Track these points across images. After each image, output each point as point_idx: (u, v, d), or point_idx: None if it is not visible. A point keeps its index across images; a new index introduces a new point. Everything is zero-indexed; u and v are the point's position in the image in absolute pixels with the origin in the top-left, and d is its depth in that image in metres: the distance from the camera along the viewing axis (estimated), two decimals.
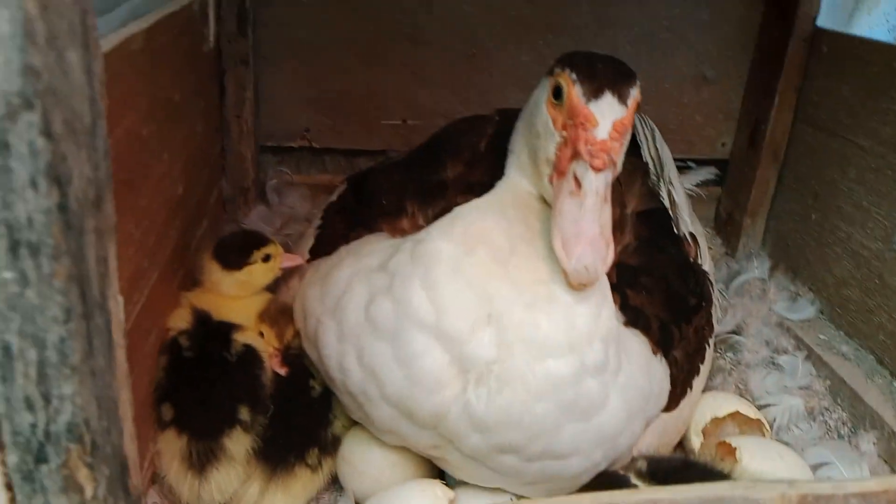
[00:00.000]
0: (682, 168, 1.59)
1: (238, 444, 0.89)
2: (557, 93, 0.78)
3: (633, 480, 0.88)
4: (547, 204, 0.84)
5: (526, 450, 0.80)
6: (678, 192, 1.24)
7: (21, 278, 0.43)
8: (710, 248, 1.56)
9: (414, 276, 0.81)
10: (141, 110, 0.78)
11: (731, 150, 1.68)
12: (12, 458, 0.48)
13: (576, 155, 0.75)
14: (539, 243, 0.81)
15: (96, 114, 0.47)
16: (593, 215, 0.73)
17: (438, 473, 0.97)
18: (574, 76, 0.76)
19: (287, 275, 1.06)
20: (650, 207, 1.09)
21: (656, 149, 1.31)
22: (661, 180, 1.23)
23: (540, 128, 0.81)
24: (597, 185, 0.73)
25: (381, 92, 1.50)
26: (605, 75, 0.76)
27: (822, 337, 1.38)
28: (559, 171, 0.77)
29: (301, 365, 0.97)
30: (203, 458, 0.87)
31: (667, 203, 1.17)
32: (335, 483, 0.97)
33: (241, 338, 0.97)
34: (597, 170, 0.73)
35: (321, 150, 1.53)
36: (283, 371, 0.96)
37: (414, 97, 1.51)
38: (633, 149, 1.28)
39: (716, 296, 1.20)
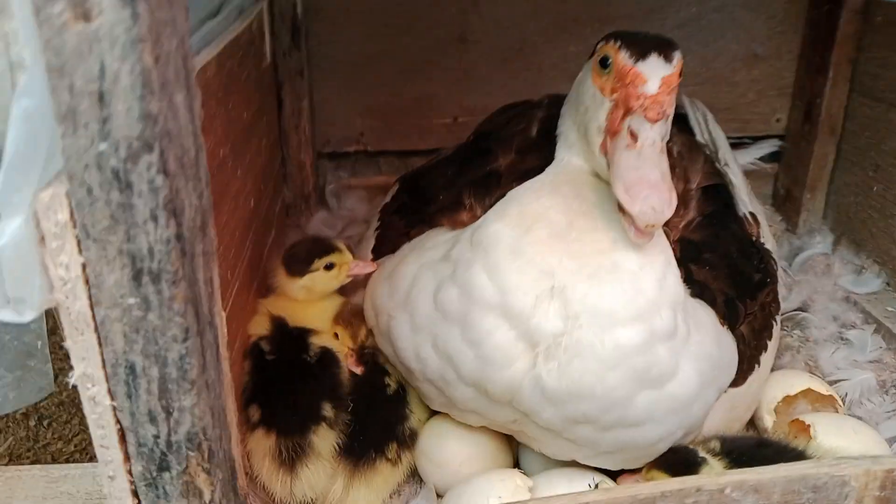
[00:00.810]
0: (740, 144, 1.57)
1: (324, 439, 0.93)
2: (604, 63, 0.81)
3: (707, 456, 0.88)
4: (600, 178, 0.86)
5: (600, 420, 0.82)
6: (735, 173, 1.24)
7: (143, 303, 0.47)
8: (770, 225, 1.55)
9: (475, 260, 0.83)
10: (217, 133, 0.82)
11: (786, 126, 1.65)
12: (137, 467, 0.53)
13: (628, 112, 0.77)
14: (596, 214, 0.82)
15: (198, 147, 0.51)
16: (653, 162, 0.75)
17: (514, 463, 0.99)
18: (619, 43, 0.80)
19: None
20: (714, 183, 1.09)
21: (709, 132, 1.31)
22: (717, 162, 1.23)
23: (588, 101, 0.83)
24: (653, 135, 0.75)
25: (432, 93, 1.52)
26: (648, 40, 0.80)
27: (889, 309, 1.37)
28: (612, 132, 0.79)
29: (375, 363, 1.00)
30: (293, 454, 0.91)
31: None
32: (415, 476, 1.00)
33: (317, 341, 1.01)
34: (652, 121, 0.75)
35: (375, 152, 1.57)
36: (358, 370, 1.00)
37: (464, 95, 1.53)
38: (690, 130, 1.28)
39: (779, 274, 1.20)
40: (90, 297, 0.46)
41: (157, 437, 0.51)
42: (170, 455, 0.52)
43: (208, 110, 0.77)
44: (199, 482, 0.54)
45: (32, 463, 0.98)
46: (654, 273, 0.81)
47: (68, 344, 0.48)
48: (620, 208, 0.76)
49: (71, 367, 0.49)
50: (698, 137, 1.27)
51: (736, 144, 1.48)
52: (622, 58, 0.78)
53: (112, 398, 0.50)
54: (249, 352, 0.98)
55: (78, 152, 0.42)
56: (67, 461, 1.00)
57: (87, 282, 0.46)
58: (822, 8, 1.51)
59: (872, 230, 1.47)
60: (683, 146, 1.11)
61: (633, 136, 0.76)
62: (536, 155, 1.02)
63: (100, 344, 0.48)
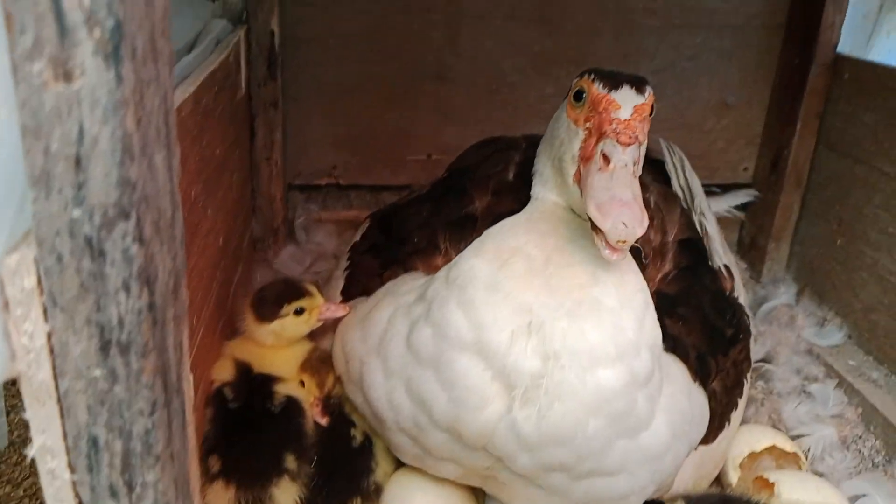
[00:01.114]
0: (709, 192, 1.59)
1: (286, 492, 0.90)
2: (578, 96, 0.82)
3: None
4: (575, 214, 0.86)
5: (576, 468, 0.80)
6: (710, 222, 1.24)
7: (110, 375, 0.44)
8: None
9: (450, 297, 0.81)
10: (190, 172, 0.79)
11: (753, 175, 1.68)
12: None
13: (601, 137, 0.78)
14: (573, 249, 0.82)
15: (175, 207, 0.48)
16: (625, 183, 0.74)
17: None
18: (593, 77, 0.82)
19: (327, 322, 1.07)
20: (689, 236, 1.09)
21: (686, 178, 1.32)
22: (692, 211, 1.23)
23: (562, 133, 0.84)
24: (625, 158, 0.75)
25: (407, 129, 1.51)
26: (621, 74, 0.82)
27: (851, 363, 1.39)
28: (585, 158, 0.79)
29: (342, 414, 0.98)
30: None
31: (700, 233, 1.18)
32: None
33: (282, 389, 0.97)
34: (624, 145, 0.76)
35: (347, 186, 1.55)
36: (324, 421, 0.97)
37: (439, 133, 1.52)
38: (666, 179, 1.29)
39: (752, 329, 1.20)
40: (54, 368, 0.43)
41: None
42: None
43: (183, 150, 0.75)
44: None
45: None
46: (635, 311, 0.80)
47: (28, 415, 0.45)
48: (593, 227, 0.74)
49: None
50: (674, 183, 1.27)
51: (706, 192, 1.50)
52: (596, 88, 0.80)
53: (72, 471, 0.46)
54: (212, 398, 0.94)
55: (50, 218, 0.40)
56: None
57: (51, 351, 0.43)
58: (793, 61, 1.54)
59: (835, 282, 1.50)
60: (660, 196, 1.11)
61: (606, 160, 0.76)
62: (512, 198, 1.01)
63: (62, 416, 0.45)
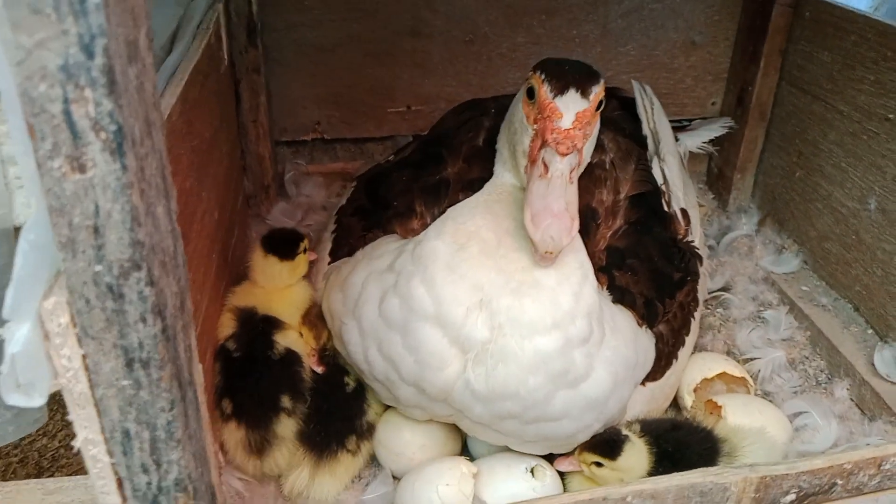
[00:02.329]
0: (680, 127, 1.66)
1: (286, 427, 1.04)
2: (531, 93, 0.90)
3: (633, 437, 1.01)
4: None
5: (523, 416, 0.94)
6: (671, 167, 1.32)
7: (135, 384, 0.56)
8: (702, 204, 1.66)
9: (415, 273, 0.93)
10: (182, 167, 0.88)
11: (720, 110, 1.76)
12: None
13: (544, 143, 0.87)
14: (522, 234, 0.91)
15: (176, 239, 0.58)
16: (559, 192, 0.84)
17: (463, 451, 1.11)
18: (543, 76, 0.89)
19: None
20: (642, 191, 1.19)
21: (654, 122, 1.39)
22: (657, 155, 1.32)
23: (517, 124, 0.93)
24: (562, 168, 0.85)
25: (386, 83, 1.58)
26: (570, 74, 0.89)
27: (804, 289, 1.51)
28: (531, 159, 0.89)
29: (336, 364, 1.10)
30: (260, 444, 1.03)
31: (660, 179, 1.27)
32: (374, 462, 1.12)
33: (282, 340, 1.10)
34: (562, 154, 0.85)
35: (332, 140, 1.63)
36: (319, 369, 1.10)
37: (418, 85, 1.59)
38: (633, 122, 1.37)
39: (705, 266, 1.31)
40: (90, 380, 0.55)
41: (149, 483, 0.61)
42: (161, 496, 0.62)
43: (173, 151, 0.84)
44: None
45: (20, 461, 1.08)
46: (571, 287, 0.92)
47: (72, 416, 0.57)
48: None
49: None
50: (644, 127, 1.35)
51: (676, 127, 1.57)
52: (544, 91, 0.88)
53: (111, 456, 0.59)
54: (218, 353, 1.07)
55: (77, 272, 0.50)
56: (53, 457, 1.09)
57: (86, 369, 0.54)
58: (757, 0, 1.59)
59: (794, 212, 1.60)
60: (617, 154, 1.20)
61: (546, 167, 0.85)
62: (481, 165, 1.11)
63: (99, 416, 0.57)
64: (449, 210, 0.99)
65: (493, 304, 0.90)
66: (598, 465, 0.99)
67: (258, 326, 1.10)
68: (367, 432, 1.09)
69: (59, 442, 1.12)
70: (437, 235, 0.95)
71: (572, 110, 0.86)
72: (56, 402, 1.16)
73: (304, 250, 1.17)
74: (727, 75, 1.72)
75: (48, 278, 0.53)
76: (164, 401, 0.57)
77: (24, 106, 0.45)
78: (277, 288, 1.14)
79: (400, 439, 1.08)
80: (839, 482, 0.77)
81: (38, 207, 0.48)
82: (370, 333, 0.98)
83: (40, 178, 0.47)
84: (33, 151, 0.46)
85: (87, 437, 0.58)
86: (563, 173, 0.85)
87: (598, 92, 0.89)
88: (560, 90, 0.87)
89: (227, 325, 1.10)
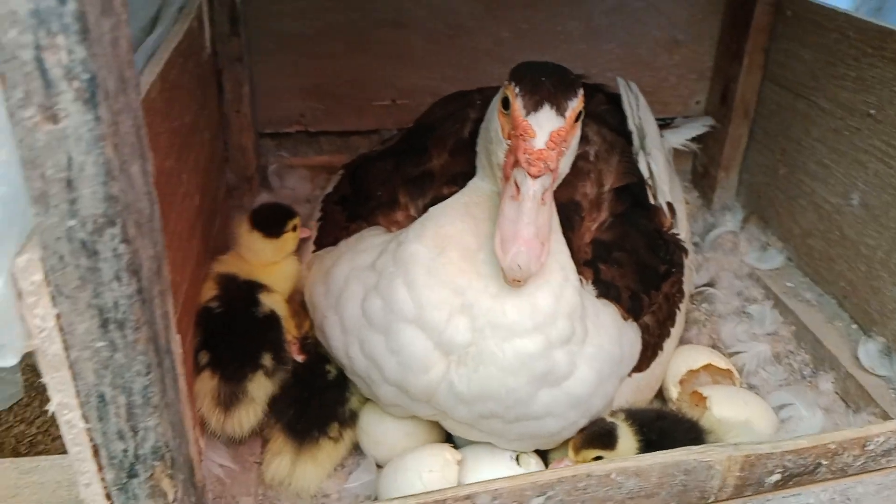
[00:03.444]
0: (665, 125, 1.67)
1: (260, 387, 1.03)
2: (506, 104, 0.86)
3: (613, 421, 1.00)
4: None
5: (505, 415, 0.93)
6: (657, 161, 1.33)
7: (111, 346, 0.55)
8: (687, 202, 1.67)
9: (397, 275, 0.93)
10: (162, 147, 0.87)
11: (704, 108, 1.77)
12: (109, 475, 0.61)
13: (516, 163, 0.83)
14: None
15: (152, 202, 0.57)
16: (530, 217, 0.81)
17: (446, 438, 1.10)
18: (518, 90, 0.84)
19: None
20: (626, 183, 1.19)
21: (639, 117, 1.39)
22: (642, 150, 1.32)
23: (493, 134, 0.90)
24: (534, 190, 0.82)
25: (370, 75, 1.57)
26: (546, 89, 0.84)
27: (788, 285, 1.51)
28: (504, 175, 0.87)
29: (317, 353, 1.09)
30: (228, 399, 1.01)
31: (646, 173, 1.27)
32: (357, 450, 1.10)
33: (267, 301, 1.09)
34: (533, 176, 0.81)
35: (316, 132, 1.62)
36: (300, 358, 1.08)
37: (401, 78, 1.59)
38: (619, 117, 1.37)
39: (691, 259, 1.31)
40: (64, 342, 0.54)
41: (125, 451, 0.59)
42: (137, 465, 0.60)
43: (153, 129, 0.83)
44: (163, 485, 0.62)
45: None
46: (551, 290, 0.91)
47: (46, 379, 0.55)
48: None
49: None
50: (629, 122, 1.36)
51: (660, 125, 1.58)
52: (517, 107, 0.83)
53: (86, 421, 0.57)
54: (199, 314, 1.05)
55: (50, 228, 0.49)
56: (31, 442, 1.07)
57: (60, 329, 0.53)
58: None
59: (778, 209, 1.61)
60: (602, 146, 1.20)
61: (517, 188, 0.82)
62: (467, 158, 1.08)
63: (73, 379, 0.55)
64: (430, 210, 0.98)
65: (473, 308, 0.89)
66: (598, 458, 0.98)
67: (241, 287, 1.09)
68: (350, 420, 1.08)
69: (38, 428, 1.10)
70: (418, 238, 0.94)
71: (546, 129, 0.82)
72: (34, 389, 1.16)
73: (295, 228, 1.16)
74: (711, 73, 1.73)
75: (20, 235, 0.51)
76: (140, 364, 0.56)
77: None
78: (262, 263, 1.13)
79: (383, 426, 1.07)
80: (824, 462, 0.77)
81: (10, 160, 0.47)
82: (352, 331, 0.98)
83: (12, 128, 0.46)
84: (4, 100, 0.45)
85: (62, 401, 0.56)
86: (535, 195, 0.81)
87: (575, 107, 0.85)
88: (534, 106, 0.83)
89: (209, 290, 1.09)
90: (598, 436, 0.99)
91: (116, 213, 0.50)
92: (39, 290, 0.52)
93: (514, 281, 0.84)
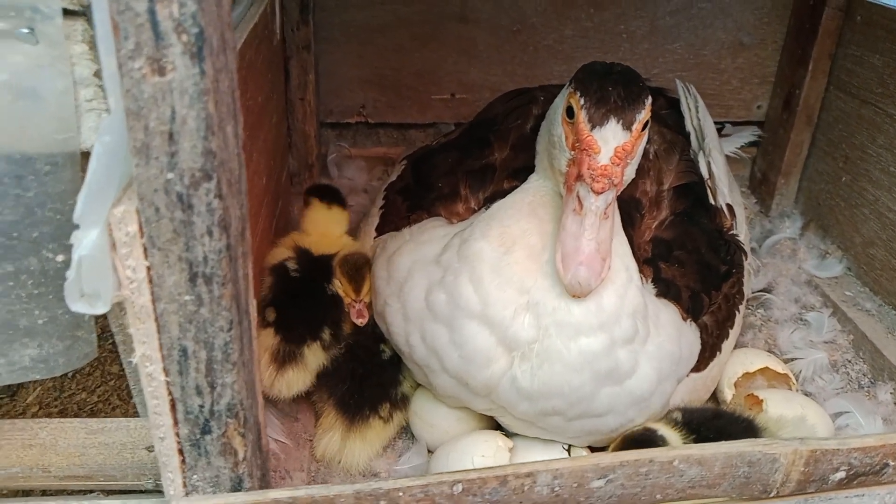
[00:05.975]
0: (721, 131, 1.65)
1: (315, 356, 1.06)
2: (570, 112, 0.85)
3: (666, 431, 0.99)
4: None
5: (567, 412, 0.93)
6: (717, 163, 1.31)
7: (197, 300, 0.56)
8: (745, 207, 1.65)
9: (462, 271, 0.93)
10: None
11: (766, 113, 1.74)
12: (184, 430, 0.63)
13: (580, 176, 0.83)
14: None
15: (241, 165, 0.59)
16: (592, 233, 0.82)
17: (497, 425, 1.11)
18: (583, 101, 0.83)
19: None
20: (687, 182, 1.18)
21: (699, 119, 1.38)
22: (702, 151, 1.31)
23: (556, 139, 0.89)
24: (597, 205, 0.82)
25: (432, 69, 1.59)
26: (612, 100, 0.82)
27: (847, 294, 1.48)
28: (567, 186, 0.86)
29: (373, 332, 1.10)
30: (284, 359, 1.03)
31: (705, 174, 1.26)
32: (404, 433, 1.11)
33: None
34: (597, 193, 0.81)
35: (376, 124, 1.64)
36: (360, 322, 1.09)
37: (463, 73, 1.60)
38: (678, 119, 1.36)
39: (750, 261, 1.29)
40: (152, 294, 0.55)
41: (202, 406, 0.61)
42: (212, 421, 0.62)
43: None
44: (235, 443, 0.64)
45: (60, 412, 1.09)
46: (616, 290, 0.91)
47: (132, 330, 0.57)
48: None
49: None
50: (687, 124, 1.34)
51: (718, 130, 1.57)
52: (582, 119, 0.83)
53: (166, 374, 0.59)
54: (273, 269, 1.09)
55: (149, 179, 0.51)
56: (91, 410, 1.11)
57: (150, 282, 0.55)
58: (808, 2, 1.58)
59: (838, 217, 1.58)
60: (662, 145, 1.19)
61: (580, 203, 0.82)
62: (528, 153, 1.08)
63: (158, 331, 0.57)
64: (493, 207, 0.98)
65: (539, 306, 0.90)
66: None
67: (319, 260, 1.12)
68: (401, 402, 1.09)
69: (98, 397, 1.13)
70: (483, 236, 0.94)
71: (611, 144, 0.81)
72: (97, 359, 1.19)
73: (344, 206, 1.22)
74: (774, 78, 1.70)
75: (119, 186, 0.53)
76: (223, 320, 0.57)
77: (111, 3, 0.46)
78: (320, 234, 1.17)
79: (436, 410, 1.07)
80: (891, 463, 0.75)
81: (116, 110, 0.49)
82: (414, 320, 0.99)
83: (120, 78, 0.48)
84: (115, 51, 0.47)
85: (145, 353, 0.58)
86: (597, 211, 0.82)
87: (642, 118, 0.84)
88: (599, 120, 0.81)
89: (284, 251, 1.12)
90: (635, 443, 0.98)
91: (213, 168, 0.51)
92: (133, 241, 0.54)
93: (574, 297, 0.85)
